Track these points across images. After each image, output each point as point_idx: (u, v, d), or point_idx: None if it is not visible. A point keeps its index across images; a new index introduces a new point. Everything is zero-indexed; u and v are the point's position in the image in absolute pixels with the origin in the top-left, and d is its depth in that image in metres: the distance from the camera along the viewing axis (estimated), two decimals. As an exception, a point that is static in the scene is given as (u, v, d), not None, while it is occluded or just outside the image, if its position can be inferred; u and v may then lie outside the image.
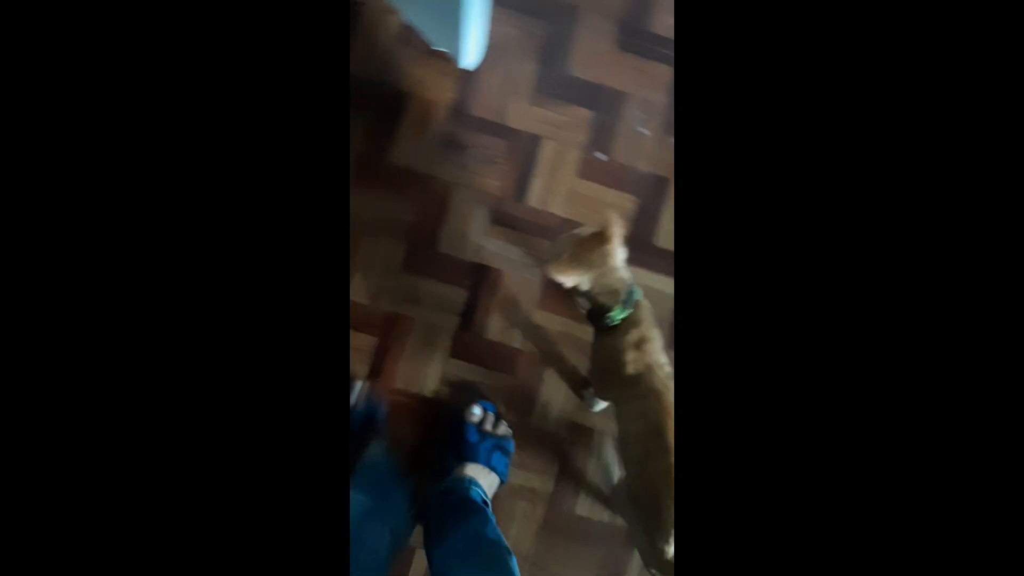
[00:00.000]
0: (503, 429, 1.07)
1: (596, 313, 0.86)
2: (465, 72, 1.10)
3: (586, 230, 0.86)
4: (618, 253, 0.83)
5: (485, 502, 0.97)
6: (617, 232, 0.82)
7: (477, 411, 1.05)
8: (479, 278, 1.11)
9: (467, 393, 1.10)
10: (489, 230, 1.11)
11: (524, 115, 1.12)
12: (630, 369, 0.83)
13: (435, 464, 1.05)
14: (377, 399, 1.06)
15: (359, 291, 1.09)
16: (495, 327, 1.11)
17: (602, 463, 1.08)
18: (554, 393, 1.11)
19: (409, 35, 1.10)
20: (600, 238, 0.82)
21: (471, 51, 1.00)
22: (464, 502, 0.95)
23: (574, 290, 0.84)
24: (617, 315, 0.83)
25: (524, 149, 1.12)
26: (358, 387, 1.05)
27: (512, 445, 1.07)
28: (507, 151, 1.12)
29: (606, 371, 0.89)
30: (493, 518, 0.94)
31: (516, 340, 1.11)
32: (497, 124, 1.12)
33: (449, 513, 0.93)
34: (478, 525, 0.90)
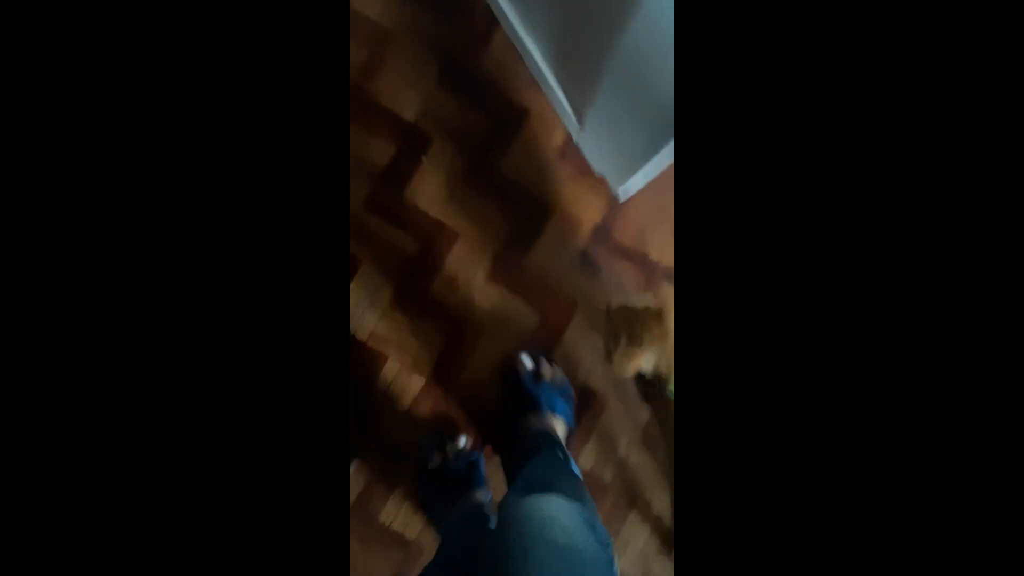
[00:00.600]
0: (559, 375, 1.05)
1: (650, 382, 0.82)
2: (616, 197, 1.10)
3: (639, 301, 0.83)
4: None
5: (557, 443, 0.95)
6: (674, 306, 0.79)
7: (527, 359, 1.04)
8: (583, 403, 1.09)
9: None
10: (605, 357, 1.10)
11: (666, 249, 1.11)
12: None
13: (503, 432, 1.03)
14: (478, 453, 1.06)
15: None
16: (589, 456, 1.09)
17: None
18: (635, 535, 1.08)
19: (570, 150, 1.11)
20: (657, 315, 0.79)
21: (633, 188, 1.00)
22: (534, 442, 0.94)
23: (638, 376, 0.81)
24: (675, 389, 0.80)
25: (659, 283, 1.10)
26: (462, 440, 1.05)
27: (571, 390, 1.06)
28: (642, 281, 1.10)
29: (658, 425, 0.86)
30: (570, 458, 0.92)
31: (608, 474, 1.09)
32: (637, 252, 1.11)
33: (522, 455, 0.92)
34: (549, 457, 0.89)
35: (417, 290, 1.10)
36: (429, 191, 1.11)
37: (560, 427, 1.01)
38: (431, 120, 1.11)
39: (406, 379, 1.09)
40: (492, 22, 1.10)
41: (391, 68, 1.11)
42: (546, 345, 1.10)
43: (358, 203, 1.09)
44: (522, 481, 0.82)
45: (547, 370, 1.05)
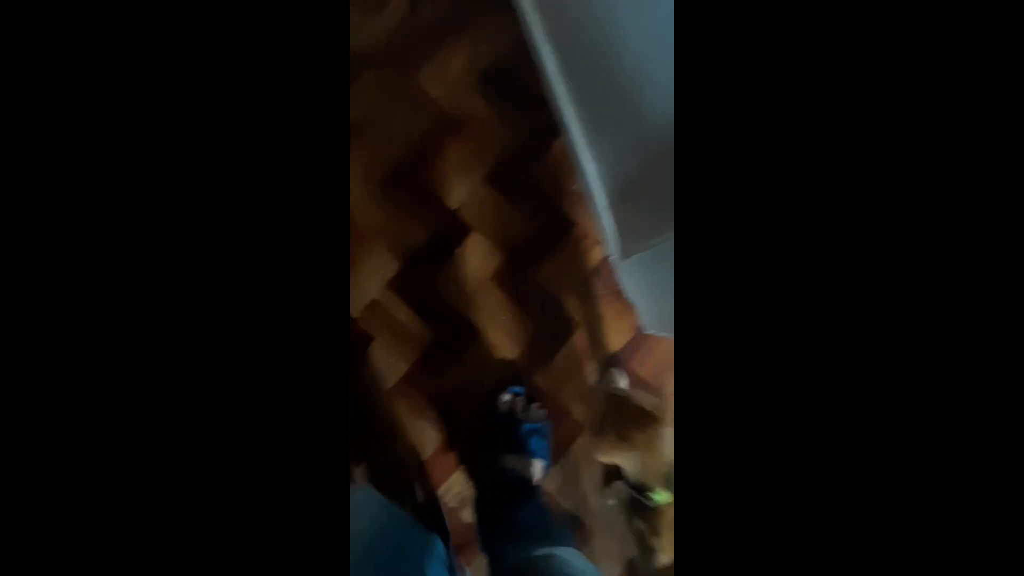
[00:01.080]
0: (536, 412, 1.04)
1: (634, 489, 0.80)
2: (643, 327, 1.08)
3: (638, 398, 0.82)
4: (667, 435, 0.77)
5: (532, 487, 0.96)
6: (671, 414, 0.77)
7: (507, 398, 1.03)
8: (572, 529, 1.06)
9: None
10: (600, 485, 1.07)
11: (681, 389, 1.08)
12: (664, 559, 0.78)
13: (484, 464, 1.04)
14: (461, 568, 1.03)
15: (448, 495, 1.06)
16: (565, 585, 1.05)
17: None
18: None
19: (607, 270, 1.09)
20: (652, 419, 0.77)
21: (668, 329, 0.98)
22: (513, 486, 0.95)
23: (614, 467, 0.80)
24: (658, 498, 0.78)
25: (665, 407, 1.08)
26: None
27: (549, 427, 1.04)
28: (650, 417, 1.08)
29: (638, 548, 0.84)
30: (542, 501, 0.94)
31: (579, 609, 1.05)
32: (652, 387, 1.08)
33: (501, 496, 0.93)
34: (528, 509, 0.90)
35: (424, 382, 1.07)
36: (457, 283, 1.08)
37: (537, 468, 1.01)
38: (474, 212, 1.09)
39: (394, 469, 1.06)
40: (556, 128, 1.09)
41: (445, 153, 1.09)
42: (527, 383, 1.08)
43: (383, 280, 1.07)
44: (516, 530, 0.84)
45: (524, 408, 1.04)
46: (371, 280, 1.07)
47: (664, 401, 0.79)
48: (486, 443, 1.03)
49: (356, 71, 1.08)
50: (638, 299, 1.03)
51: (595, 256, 1.10)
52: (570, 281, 1.09)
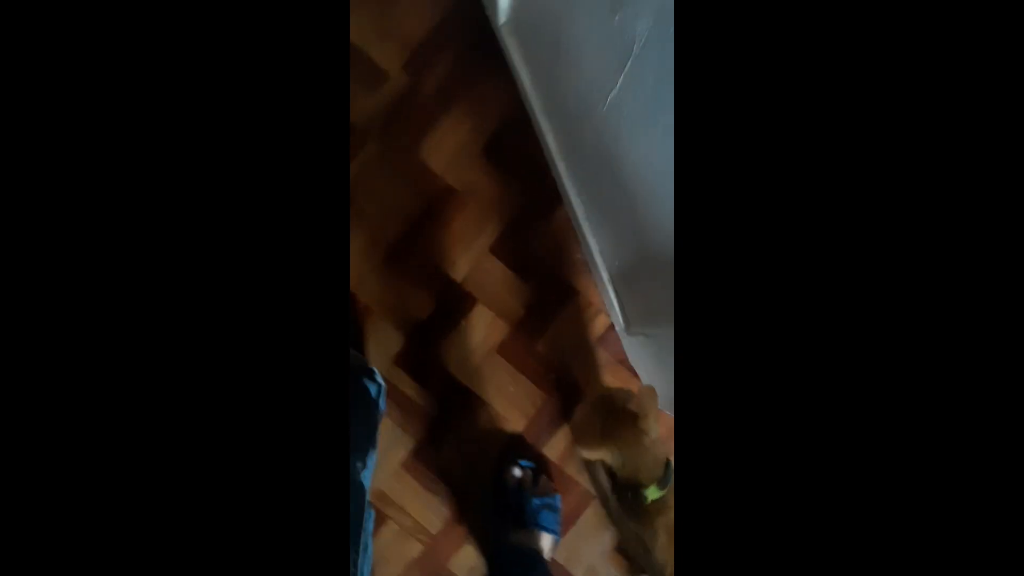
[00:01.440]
0: (546, 485, 1.03)
1: (625, 488, 0.80)
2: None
3: (621, 395, 0.82)
4: (653, 430, 0.78)
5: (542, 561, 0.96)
6: (653, 408, 0.77)
7: (517, 472, 1.03)
8: (581, 601, 1.06)
9: None
10: (608, 556, 1.07)
11: (688, 455, 1.09)
12: (659, 557, 0.78)
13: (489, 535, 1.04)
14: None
15: (458, 569, 1.06)
16: (577, 659, 1.05)
17: None
18: None
19: (611, 339, 1.09)
20: (633, 418, 0.78)
21: (668, 406, 0.98)
22: (522, 562, 0.95)
23: (601, 463, 0.82)
24: (652, 495, 0.78)
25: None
26: None
27: (559, 500, 1.03)
28: (658, 485, 1.08)
29: (631, 552, 0.85)
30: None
31: None
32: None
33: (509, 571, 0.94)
34: None
35: (432, 456, 1.07)
36: (461, 355, 1.08)
37: (547, 543, 1.00)
38: (477, 283, 1.09)
39: (403, 544, 1.06)
40: (560, 196, 1.09)
41: (447, 225, 1.10)
42: (536, 455, 1.08)
43: (389, 355, 1.07)
44: None
45: (532, 482, 1.04)
46: (377, 355, 1.07)
47: (647, 395, 0.80)
48: (495, 517, 1.03)
49: (357, 145, 1.08)
50: (643, 373, 1.04)
51: (599, 324, 1.10)
52: (575, 350, 1.10)
